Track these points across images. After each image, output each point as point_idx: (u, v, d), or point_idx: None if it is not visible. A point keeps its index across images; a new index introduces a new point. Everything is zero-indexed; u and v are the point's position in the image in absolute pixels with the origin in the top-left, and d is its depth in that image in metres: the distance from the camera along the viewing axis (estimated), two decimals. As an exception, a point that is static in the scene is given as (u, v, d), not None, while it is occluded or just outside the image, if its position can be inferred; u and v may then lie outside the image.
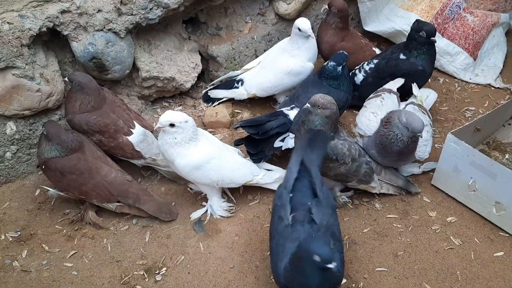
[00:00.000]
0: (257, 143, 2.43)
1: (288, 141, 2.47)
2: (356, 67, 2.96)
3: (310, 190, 1.89)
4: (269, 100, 3.08)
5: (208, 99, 3.03)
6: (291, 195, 1.87)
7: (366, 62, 2.92)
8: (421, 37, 2.64)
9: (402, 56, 2.75)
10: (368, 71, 2.88)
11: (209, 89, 3.04)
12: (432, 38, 2.64)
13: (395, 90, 2.63)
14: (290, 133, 2.46)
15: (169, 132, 2.14)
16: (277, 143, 2.47)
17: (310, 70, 2.88)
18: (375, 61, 2.88)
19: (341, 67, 2.54)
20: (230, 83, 2.99)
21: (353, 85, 2.84)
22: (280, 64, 2.86)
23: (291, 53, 2.84)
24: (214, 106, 2.99)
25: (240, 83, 2.96)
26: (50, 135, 2.20)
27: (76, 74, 2.40)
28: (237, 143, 2.51)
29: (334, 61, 2.55)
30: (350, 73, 2.94)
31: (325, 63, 2.61)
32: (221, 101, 2.99)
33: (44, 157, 2.23)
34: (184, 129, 2.13)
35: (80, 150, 2.27)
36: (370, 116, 2.44)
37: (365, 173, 2.31)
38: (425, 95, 2.67)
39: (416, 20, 2.74)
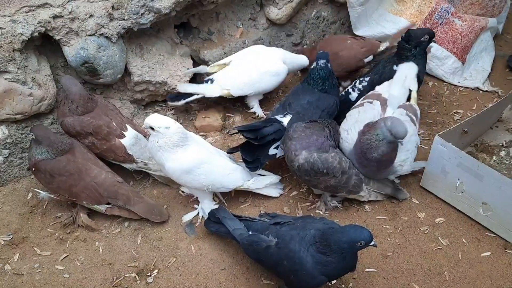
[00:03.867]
0: (253, 151, 2.39)
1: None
2: (349, 86, 2.91)
3: (252, 222, 2.13)
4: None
5: (173, 98, 2.89)
6: (250, 232, 2.06)
7: (358, 81, 2.86)
8: (425, 41, 2.67)
9: (395, 68, 2.72)
10: (361, 89, 2.82)
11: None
12: (433, 38, 2.72)
13: (385, 96, 2.54)
14: (281, 145, 2.43)
15: (152, 135, 2.16)
16: (272, 151, 2.46)
17: (285, 71, 2.91)
18: (367, 78, 2.83)
19: (329, 63, 2.58)
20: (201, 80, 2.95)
21: (348, 101, 2.81)
22: (259, 63, 2.88)
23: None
24: (181, 104, 2.87)
25: (210, 82, 2.89)
26: (40, 138, 2.21)
27: (62, 77, 2.41)
28: (231, 151, 2.45)
29: (323, 58, 2.57)
30: (344, 92, 2.91)
31: (312, 65, 2.62)
32: (190, 99, 2.84)
33: (34, 160, 2.24)
34: (164, 135, 2.12)
35: (70, 151, 2.28)
36: (343, 134, 2.40)
37: (354, 184, 2.33)
38: (404, 75, 2.63)
39: (408, 30, 2.75)
